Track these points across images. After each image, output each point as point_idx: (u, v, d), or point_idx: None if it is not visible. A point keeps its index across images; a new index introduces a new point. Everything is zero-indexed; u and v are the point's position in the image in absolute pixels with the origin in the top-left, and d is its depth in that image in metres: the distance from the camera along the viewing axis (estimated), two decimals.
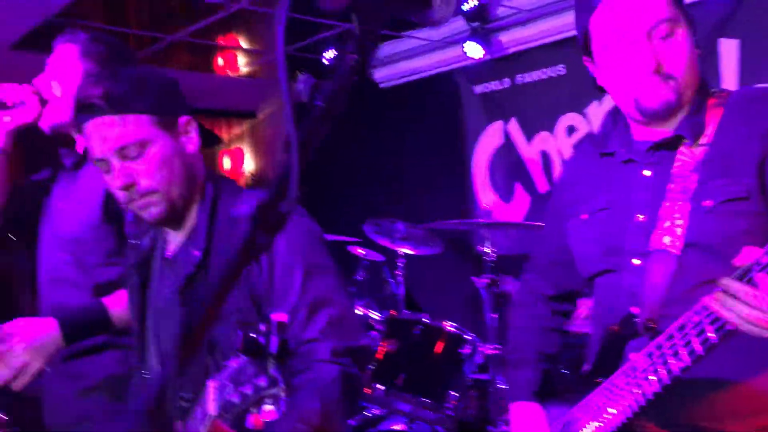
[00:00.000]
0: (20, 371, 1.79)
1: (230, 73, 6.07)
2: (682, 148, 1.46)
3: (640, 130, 1.53)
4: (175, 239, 1.60)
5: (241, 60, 6.11)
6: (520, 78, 4.88)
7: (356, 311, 1.43)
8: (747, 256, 1.14)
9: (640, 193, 1.49)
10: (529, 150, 4.82)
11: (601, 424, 1.44)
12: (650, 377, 1.33)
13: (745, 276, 1.13)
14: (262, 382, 0.92)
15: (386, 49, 5.51)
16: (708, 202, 1.38)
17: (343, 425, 1.47)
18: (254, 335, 0.92)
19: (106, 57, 2.09)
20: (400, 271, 4.19)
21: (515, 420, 1.68)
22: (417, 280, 4.43)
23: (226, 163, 6.72)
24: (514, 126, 4.93)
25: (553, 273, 1.74)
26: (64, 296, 1.99)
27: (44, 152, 2.21)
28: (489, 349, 3.03)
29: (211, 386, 0.98)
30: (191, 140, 1.55)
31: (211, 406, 0.98)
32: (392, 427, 3.34)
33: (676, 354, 1.27)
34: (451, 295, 4.29)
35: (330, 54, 5.65)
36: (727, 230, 1.35)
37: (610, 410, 1.42)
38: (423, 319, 3.07)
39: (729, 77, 3.83)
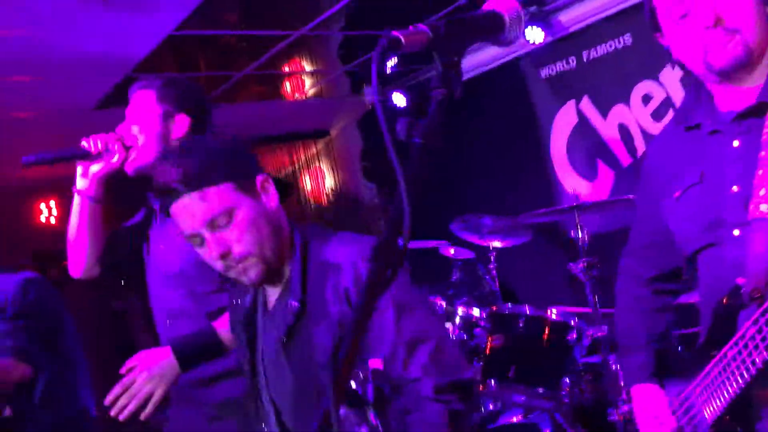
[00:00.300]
0: (144, 401, 1.87)
1: (299, 97, 6.26)
2: None
3: (725, 99, 1.52)
4: (273, 293, 1.64)
5: (307, 82, 6.28)
6: (586, 54, 4.82)
7: (454, 341, 1.44)
8: None
9: (731, 164, 1.49)
10: (605, 125, 4.76)
11: (719, 397, 1.45)
12: (759, 344, 1.33)
13: None
14: (364, 431, 0.94)
15: None
16: None
17: None
18: (351, 385, 0.94)
19: (181, 98, 2.21)
20: (493, 264, 4.22)
21: (637, 403, 1.71)
22: (511, 271, 4.44)
23: (308, 183, 6.92)
24: (586, 104, 4.87)
25: (652, 254, 1.74)
26: (182, 329, 2.07)
27: (133, 197, 2.38)
28: (596, 332, 3.03)
29: None
30: (270, 197, 1.58)
31: None
32: (510, 420, 3.38)
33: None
34: (548, 282, 4.29)
35: (392, 62, 5.75)
36: None
37: (725, 382, 1.43)
38: (525, 311, 3.09)
39: None
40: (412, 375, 1.47)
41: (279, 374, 1.62)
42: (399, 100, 5.88)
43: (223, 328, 1.93)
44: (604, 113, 4.76)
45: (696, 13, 1.42)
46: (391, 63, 5.74)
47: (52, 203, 7.19)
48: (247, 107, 6.48)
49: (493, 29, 0.97)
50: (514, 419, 3.40)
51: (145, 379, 1.88)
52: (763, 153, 1.44)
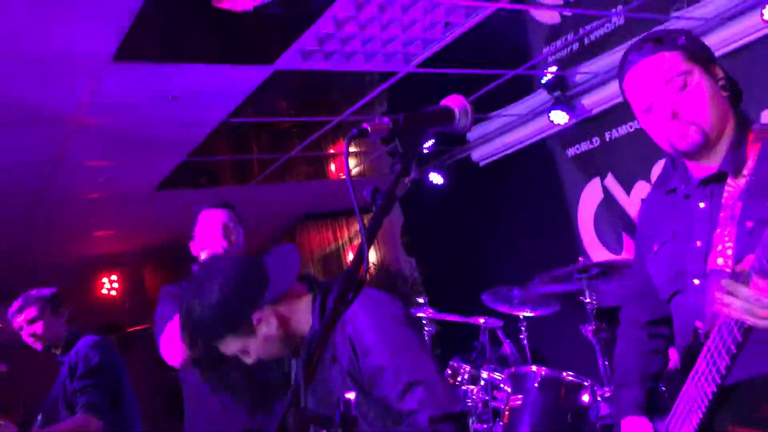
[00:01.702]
0: None
1: (342, 177, 6.68)
2: (729, 180, 1.70)
3: (695, 167, 1.77)
4: None
5: (351, 163, 6.72)
6: (608, 135, 5.12)
7: (447, 380, 1.63)
8: (747, 262, 1.39)
9: (697, 222, 1.73)
10: (629, 201, 4.99)
11: (687, 428, 1.65)
12: (707, 378, 1.56)
13: (745, 279, 1.38)
14: None
15: (479, 130, 5.93)
16: (749, 223, 1.59)
17: None
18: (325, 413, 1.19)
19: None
20: (524, 333, 4.42)
21: None
22: (541, 339, 4.62)
23: (351, 257, 7.28)
24: (611, 181, 5.13)
25: (645, 301, 1.96)
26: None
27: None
28: (607, 392, 3.19)
29: None
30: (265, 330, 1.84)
31: None
32: None
33: (719, 354, 1.51)
34: (571, 348, 4.44)
35: (429, 143, 6.14)
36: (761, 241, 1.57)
37: (690, 413, 1.63)
38: (542, 372, 3.29)
39: None
40: (408, 408, 1.67)
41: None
42: (436, 178, 6.24)
43: None
44: (628, 189, 5.00)
45: (657, 108, 1.70)
46: (428, 144, 6.15)
47: (114, 277, 7.71)
48: (296, 186, 6.94)
49: (444, 120, 1.28)
50: None
51: None
52: (722, 213, 1.69)
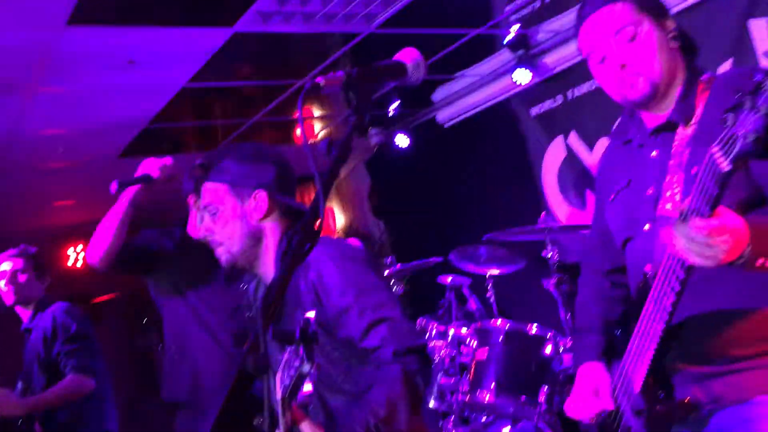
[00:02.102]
0: None
1: (310, 141, 6.65)
2: (679, 129, 1.75)
3: (648, 117, 1.81)
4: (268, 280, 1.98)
5: (317, 126, 6.69)
6: (570, 93, 5.16)
7: (408, 317, 1.73)
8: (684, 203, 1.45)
9: (649, 170, 1.78)
10: (592, 158, 5.06)
11: (639, 367, 1.70)
12: (656, 317, 1.62)
13: (684, 218, 1.43)
14: (297, 363, 1.27)
15: (443, 91, 5.93)
16: (695, 169, 1.60)
17: (412, 415, 1.75)
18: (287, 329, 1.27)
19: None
20: (491, 291, 4.50)
21: (579, 380, 1.91)
22: (507, 295, 4.72)
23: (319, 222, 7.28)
24: (574, 138, 5.19)
25: (605, 250, 1.99)
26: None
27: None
28: (569, 343, 3.28)
29: (277, 377, 1.34)
30: (256, 207, 1.92)
31: (278, 393, 1.34)
32: (501, 430, 3.61)
33: (665, 293, 1.57)
34: (536, 302, 4.54)
35: (394, 106, 6.13)
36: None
37: (641, 352, 1.69)
38: (506, 326, 3.36)
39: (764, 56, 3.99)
40: (372, 344, 1.77)
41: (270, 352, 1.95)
42: (402, 140, 6.25)
43: None
44: (591, 146, 5.07)
45: (609, 58, 1.75)
46: (394, 106, 6.14)
47: (80, 247, 7.62)
48: None
49: (397, 73, 1.30)
50: (505, 429, 3.62)
51: None
52: (672, 161, 1.74)
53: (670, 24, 1.78)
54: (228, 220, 1.91)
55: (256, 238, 1.93)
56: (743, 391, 1.63)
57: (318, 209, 1.10)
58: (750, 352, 1.63)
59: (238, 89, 5.46)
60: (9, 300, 3.58)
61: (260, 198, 1.93)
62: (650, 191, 1.76)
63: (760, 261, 1.43)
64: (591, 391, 1.86)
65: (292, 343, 1.18)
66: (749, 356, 1.63)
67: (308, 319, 1.16)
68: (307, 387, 1.29)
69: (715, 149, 1.34)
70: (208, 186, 1.94)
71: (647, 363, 1.68)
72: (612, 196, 1.89)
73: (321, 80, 1.19)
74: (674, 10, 4.28)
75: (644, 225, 1.77)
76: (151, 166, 2.76)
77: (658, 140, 1.78)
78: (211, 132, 6.28)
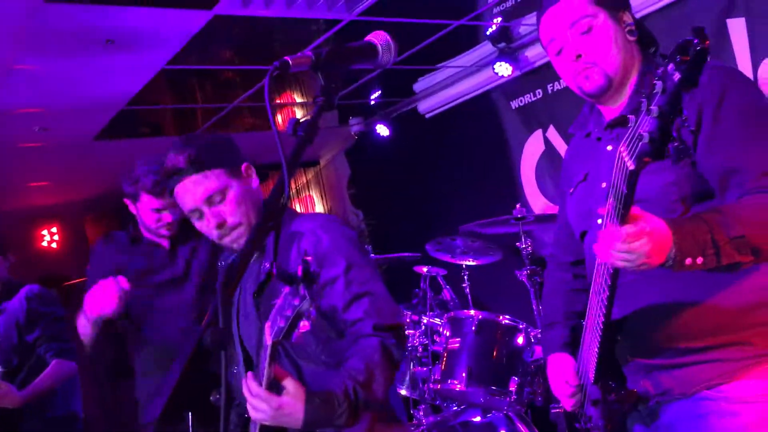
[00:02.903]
0: None
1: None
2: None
3: (606, 111, 1.83)
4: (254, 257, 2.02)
5: (298, 114, 6.66)
6: (550, 87, 5.18)
7: (391, 297, 1.79)
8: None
9: (603, 164, 1.78)
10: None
11: (591, 357, 1.73)
12: (597, 312, 1.63)
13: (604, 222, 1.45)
14: (297, 302, 1.29)
15: (424, 82, 5.93)
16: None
17: (387, 387, 1.80)
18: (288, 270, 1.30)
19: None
20: (466, 283, 4.52)
21: (549, 371, 1.96)
22: (481, 286, 4.74)
23: (299, 209, 7.26)
24: (552, 132, 5.22)
25: (567, 242, 2.02)
26: None
27: None
28: (539, 334, 3.30)
29: (266, 326, 1.37)
30: (253, 180, 1.99)
31: (268, 339, 1.37)
32: (471, 419, 3.63)
33: (602, 288, 1.58)
34: (510, 294, 4.58)
35: (375, 95, 6.13)
36: (658, 184, 1.65)
37: (590, 343, 1.72)
38: (479, 316, 3.38)
39: (741, 54, 4.03)
40: (353, 317, 1.82)
41: (249, 323, 1.96)
42: (382, 130, 6.24)
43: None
44: (568, 141, 5.09)
45: (565, 50, 1.76)
46: (375, 95, 6.13)
47: (54, 229, 7.54)
48: (240, 137, 6.84)
49: (367, 55, 1.29)
50: (476, 419, 3.64)
51: None
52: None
53: (627, 17, 1.78)
54: (240, 199, 1.92)
55: (259, 209, 1.97)
56: (689, 385, 1.64)
57: (283, 187, 1.09)
58: (697, 345, 1.64)
59: (218, 73, 5.40)
60: None
61: (251, 169, 1.99)
62: (604, 185, 1.76)
63: (689, 261, 1.44)
64: (562, 382, 1.89)
65: (293, 283, 1.21)
66: (696, 349, 1.64)
67: (308, 260, 1.20)
68: (304, 324, 1.34)
69: (622, 148, 1.35)
70: (202, 177, 1.90)
71: (595, 355, 1.71)
72: (571, 189, 1.91)
73: (289, 58, 1.18)
74: (653, 7, 4.31)
75: (597, 219, 1.77)
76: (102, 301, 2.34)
77: (613, 134, 1.79)
78: (189, 115, 6.22)
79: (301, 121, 1.19)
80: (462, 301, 4.35)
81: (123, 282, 2.23)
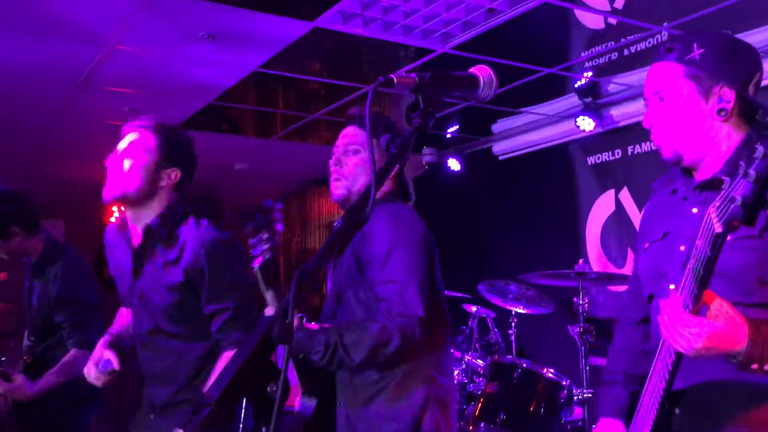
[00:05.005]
0: None
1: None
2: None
3: (699, 172, 1.77)
4: None
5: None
6: (630, 149, 5.12)
7: (424, 292, 2.02)
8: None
9: (686, 227, 1.73)
10: (640, 218, 5.00)
11: (646, 426, 1.69)
12: (660, 376, 1.59)
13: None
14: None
15: (503, 124, 5.94)
16: (730, 237, 1.63)
17: (367, 360, 2.04)
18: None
19: (176, 154, 2.52)
20: (513, 329, 4.47)
21: None
22: (528, 335, 4.67)
23: None
24: (625, 194, 5.14)
25: (640, 299, 1.95)
26: None
27: None
28: (583, 393, 3.23)
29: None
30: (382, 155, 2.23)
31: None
32: None
33: (669, 353, 1.55)
34: (557, 348, 4.50)
35: (453, 129, 6.16)
36: (741, 262, 1.60)
37: (648, 412, 1.66)
38: (523, 365, 3.33)
39: None
40: (379, 294, 2.06)
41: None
42: (454, 164, 6.26)
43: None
44: (641, 206, 5.01)
45: (645, 116, 1.77)
46: (452, 129, 6.16)
47: (123, 207, 7.76)
48: (315, 149, 6.97)
49: (469, 86, 1.31)
50: None
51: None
52: None
53: (726, 92, 1.68)
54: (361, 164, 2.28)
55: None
56: None
57: (368, 197, 1.11)
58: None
59: (304, 83, 5.52)
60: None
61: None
62: (683, 248, 1.72)
63: (755, 366, 1.43)
64: None
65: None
66: None
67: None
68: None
69: (711, 209, 1.33)
70: (356, 129, 2.29)
71: (651, 422, 1.66)
72: (646, 246, 1.85)
73: (394, 77, 1.21)
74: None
75: (670, 284, 1.72)
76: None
77: (701, 197, 1.74)
78: (269, 119, 6.36)
79: (394, 138, 1.21)
80: (506, 346, 4.29)
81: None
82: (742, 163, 1.25)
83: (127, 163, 2.45)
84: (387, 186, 2.34)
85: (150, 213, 2.43)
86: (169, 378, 2.41)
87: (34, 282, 3.47)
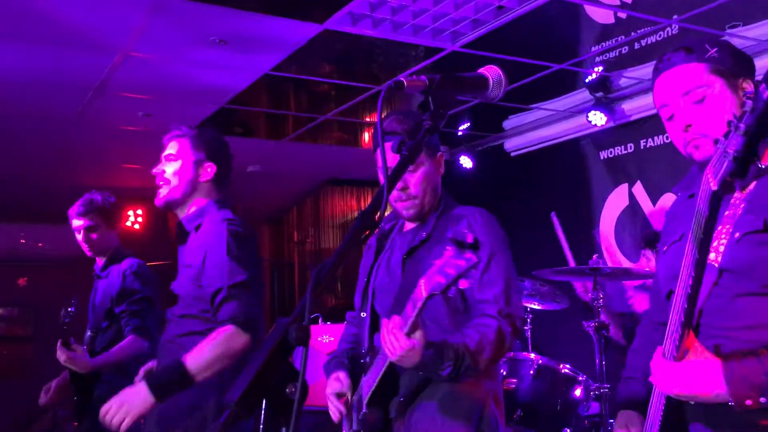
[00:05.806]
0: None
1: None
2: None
3: None
4: (411, 225, 2.26)
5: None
6: (643, 143, 5.11)
7: (521, 291, 2.06)
8: None
9: None
10: (653, 211, 4.99)
11: (656, 420, 1.71)
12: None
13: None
14: (462, 263, 1.61)
15: (515, 120, 5.94)
16: (737, 233, 1.64)
17: (489, 364, 2.00)
18: None
19: (211, 149, 2.63)
20: (528, 326, 4.47)
21: (616, 427, 1.92)
22: (543, 332, 4.67)
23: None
24: (639, 188, 5.13)
25: (661, 301, 1.97)
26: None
27: None
28: (600, 389, 3.24)
29: (421, 281, 1.70)
30: (440, 169, 2.25)
31: (424, 292, 1.72)
32: None
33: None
34: (573, 344, 4.49)
35: (464, 126, 6.16)
36: (753, 257, 1.61)
37: (658, 407, 1.68)
38: (539, 361, 3.34)
39: None
40: (484, 297, 2.04)
41: (390, 283, 2.17)
42: (466, 162, 6.27)
43: (192, 360, 2.26)
44: (654, 200, 5.00)
45: (676, 118, 1.76)
46: (464, 127, 6.17)
47: (140, 211, 7.85)
48: (327, 149, 7.01)
49: (478, 87, 1.33)
50: None
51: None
52: (727, 212, 1.72)
53: (748, 85, 1.73)
54: (427, 175, 2.19)
55: (435, 191, 2.24)
56: None
57: (380, 200, 1.14)
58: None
59: (314, 84, 5.56)
60: (88, 253, 3.76)
61: (443, 158, 2.29)
62: None
63: (749, 402, 1.45)
64: None
65: (462, 247, 1.58)
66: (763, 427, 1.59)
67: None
68: (463, 282, 1.68)
69: (708, 168, 1.36)
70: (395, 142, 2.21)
71: (659, 418, 1.67)
72: (665, 247, 1.88)
73: (404, 79, 1.23)
74: None
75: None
76: None
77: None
78: (281, 121, 6.40)
79: (406, 142, 1.23)
80: (521, 343, 4.30)
81: None
82: (733, 120, 1.27)
83: (169, 170, 2.63)
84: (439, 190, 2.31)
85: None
86: None
87: (98, 283, 3.76)
